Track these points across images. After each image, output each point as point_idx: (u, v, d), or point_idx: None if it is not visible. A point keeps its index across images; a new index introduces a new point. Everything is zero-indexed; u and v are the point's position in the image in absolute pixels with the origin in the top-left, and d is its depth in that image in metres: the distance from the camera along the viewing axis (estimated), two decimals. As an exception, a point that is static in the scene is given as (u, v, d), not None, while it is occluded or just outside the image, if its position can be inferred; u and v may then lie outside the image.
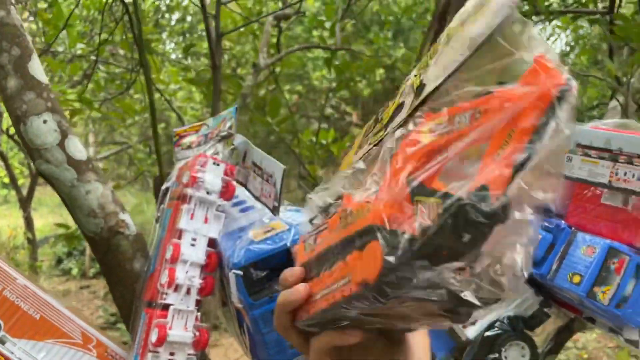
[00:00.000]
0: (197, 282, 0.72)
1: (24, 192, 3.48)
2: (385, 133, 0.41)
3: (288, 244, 0.69)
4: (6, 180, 4.94)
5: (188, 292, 0.71)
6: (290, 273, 0.44)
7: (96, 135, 5.33)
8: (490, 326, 0.78)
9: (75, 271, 4.95)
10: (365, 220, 0.36)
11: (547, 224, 0.74)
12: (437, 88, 0.37)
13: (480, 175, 0.31)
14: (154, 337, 0.69)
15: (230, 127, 0.79)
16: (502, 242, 0.32)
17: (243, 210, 0.81)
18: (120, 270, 0.78)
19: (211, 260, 0.73)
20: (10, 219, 5.47)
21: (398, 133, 0.39)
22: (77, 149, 0.77)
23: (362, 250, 0.36)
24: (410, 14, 3.25)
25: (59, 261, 5.13)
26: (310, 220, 0.46)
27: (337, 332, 0.41)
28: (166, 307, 0.70)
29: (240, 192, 0.81)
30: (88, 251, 4.64)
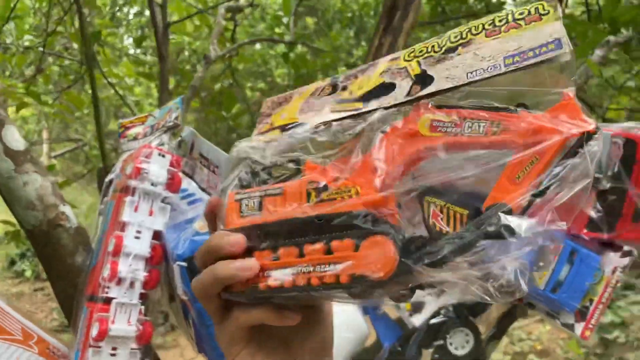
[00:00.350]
0: (141, 275, 0.70)
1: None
2: (367, 109, 0.38)
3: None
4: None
5: (132, 285, 0.70)
6: (231, 241, 0.39)
7: (50, 132, 5.16)
8: (436, 314, 0.80)
9: (28, 273, 4.79)
10: (352, 205, 0.35)
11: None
12: (452, 89, 0.35)
13: (498, 192, 0.31)
14: (94, 332, 0.67)
15: (176, 118, 0.78)
16: (504, 257, 0.32)
17: (191, 203, 0.80)
18: (61, 264, 0.75)
19: (156, 253, 0.72)
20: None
21: (391, 116, 0.37)
22: (15, 138, 0.74)
23: (358, 239, 0.34)
24: (368, 10, 3.27)
25: (12, 263, 4.96)
26: (242, 175, 0.42)
27: (275, 312, 0.39)
28: (108, 300, 0.69)
29: (189, 184, 0.80)
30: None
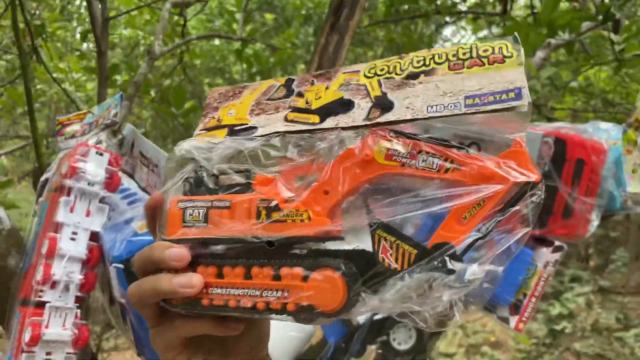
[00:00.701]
0: (77, 277, 0.68)
1: None
2: (324, 126, 0.38)
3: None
4: None
5: (67, 288, 0.68)
6: (174, 256, 0.38)
7: (-3, 129, 4.93)
8: (379, 310, 0.81)
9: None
10: (303, 229, 0.35)
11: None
12: (411, 120, 0.35)
13: (445, 230, 0.33)
14: (27, 336, 0.65)
15: (115, 115, 0.76)
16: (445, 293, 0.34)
17: (131, 203, 0.78)
18: (-8, 267, 0.72)
19: (93, 255, 0.70)
20: None
21: (347, 139, 0.37)
22: (-60, 137, 0.71)
23: (308, 269, 0.35)
24: (323, 9, 3.28)
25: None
26: (187, 180, 0.40)
27: (218, 323, 0.39)
28: (42, 304, 0.66)
29: (130, 183, 0.78)
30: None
